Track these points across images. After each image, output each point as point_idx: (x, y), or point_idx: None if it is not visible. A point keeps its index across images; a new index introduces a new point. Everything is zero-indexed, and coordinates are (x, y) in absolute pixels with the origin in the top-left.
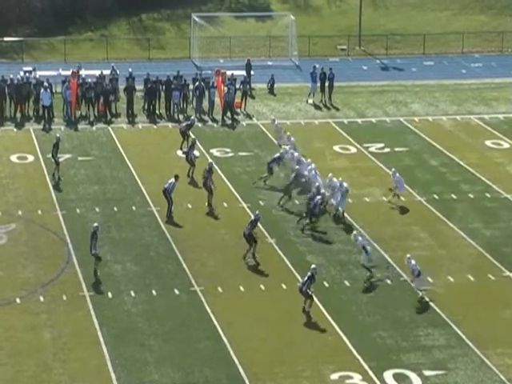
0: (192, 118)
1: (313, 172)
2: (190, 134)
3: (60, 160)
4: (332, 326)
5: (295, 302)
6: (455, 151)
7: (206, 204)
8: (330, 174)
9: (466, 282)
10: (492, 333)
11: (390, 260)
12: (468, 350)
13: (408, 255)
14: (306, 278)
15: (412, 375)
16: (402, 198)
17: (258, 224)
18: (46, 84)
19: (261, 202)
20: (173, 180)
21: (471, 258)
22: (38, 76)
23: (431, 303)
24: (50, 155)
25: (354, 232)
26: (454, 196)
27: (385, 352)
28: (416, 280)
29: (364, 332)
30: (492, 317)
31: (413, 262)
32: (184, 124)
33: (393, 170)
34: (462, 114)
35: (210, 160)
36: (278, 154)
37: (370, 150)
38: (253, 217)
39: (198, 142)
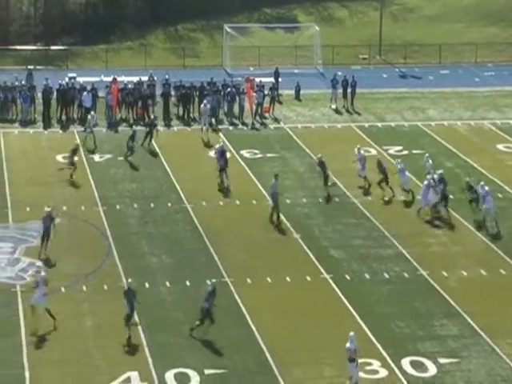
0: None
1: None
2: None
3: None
4: (353, 316)
5: (319, 292)
6: (469, 154)
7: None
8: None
9: (479, 277)
10: (503, 324)
11: (407, 256)
12: (480, 339)
13: None
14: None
15: (428, 362)
16: (419, 197)
17: (285, 220)
18: (88, 88)
19: (287, 201)
20: (273, 180)
21: (483, 253)
22: (82, 82)
23: (446, 295)
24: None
25: None
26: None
27: (402, 341)
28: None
29: (383, 322)
30: (503, 309)
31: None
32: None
33: (426, 155)
34: (476, 119)
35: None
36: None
37: (389, 152)
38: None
39: (228, 144)
